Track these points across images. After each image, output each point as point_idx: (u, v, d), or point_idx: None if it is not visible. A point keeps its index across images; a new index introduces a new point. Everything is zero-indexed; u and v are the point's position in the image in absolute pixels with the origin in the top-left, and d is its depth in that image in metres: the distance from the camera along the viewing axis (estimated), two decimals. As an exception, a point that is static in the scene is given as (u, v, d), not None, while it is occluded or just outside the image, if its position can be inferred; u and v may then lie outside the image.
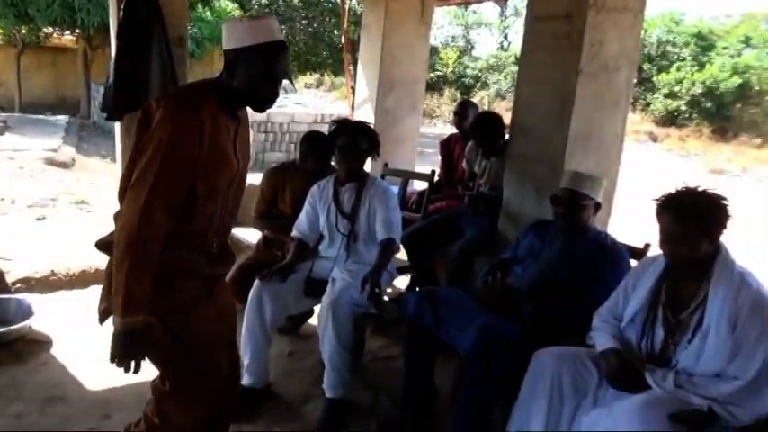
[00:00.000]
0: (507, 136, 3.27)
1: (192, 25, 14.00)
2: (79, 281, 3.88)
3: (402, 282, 3.78)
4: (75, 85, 16.35)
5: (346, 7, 6.26)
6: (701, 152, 14.61)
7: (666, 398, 1.80)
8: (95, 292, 3.69)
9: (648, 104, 17.66)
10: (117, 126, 3.71)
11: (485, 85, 20.27)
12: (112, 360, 1.61)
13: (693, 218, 1.83)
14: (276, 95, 1.67)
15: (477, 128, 3.47)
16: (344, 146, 2.73)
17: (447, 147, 4.14)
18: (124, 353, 1.59)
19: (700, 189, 1.89)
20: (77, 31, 13.89)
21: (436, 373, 2.62)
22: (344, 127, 2.78)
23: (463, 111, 4.10)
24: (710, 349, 1.81)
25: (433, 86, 21.21)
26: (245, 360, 2.63)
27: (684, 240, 1.86)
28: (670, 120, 17.01)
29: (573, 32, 2.68)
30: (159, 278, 1.56)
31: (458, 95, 20.60)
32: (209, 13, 15.49)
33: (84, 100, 15.21)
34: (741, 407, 1.76)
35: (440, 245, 3.52)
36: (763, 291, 1.84)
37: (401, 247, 2.98)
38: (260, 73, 1.60)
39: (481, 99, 19.68)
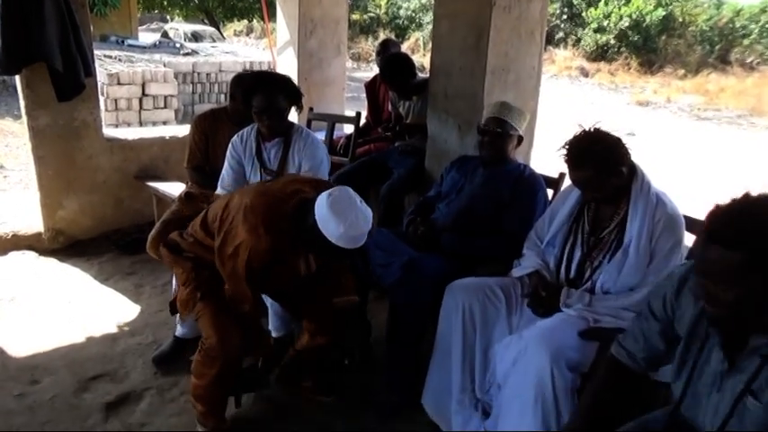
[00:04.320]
0: (427, 74, 3.25)
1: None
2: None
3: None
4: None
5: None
6: (629, 85, 15.03)
7: (575, 319, 1.91)
8: (13, 258, 3.55)
9: (579, 40, 17.88)
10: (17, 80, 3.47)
11: (419, 26, 19.92)
12: None
13: (591, 164, 1.90)
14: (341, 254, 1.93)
15: (384, 72, 3.41)
16: (262, 108, 2.52)
17: (372, 88, 4.08)
18: None
19: (593, 130, 1.94)
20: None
21: (371, 309, 2.70)
22: (260, 85, 2.55)
23: (384, 50, 4.03)
24: (631, 263, 1.92)
25: (367, 29, 20.72)
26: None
27: (591, 185, 1.95)
28: (600, 54, 17.31)
29: (486, -36, 2.65)
30: None
31: (392, 37, 20.24)
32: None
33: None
34: None
35: (369, 187, 3.53)
36: (677, 209, 1.97)
37: None
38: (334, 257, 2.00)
39: (416, 40, 19.39)
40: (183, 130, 3.71)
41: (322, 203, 1.85)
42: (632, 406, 1.65)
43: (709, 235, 1.19)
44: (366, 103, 4.17)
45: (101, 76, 7.72)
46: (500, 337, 2.05)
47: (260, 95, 2.52)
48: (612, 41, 17.23)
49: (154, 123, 8.05)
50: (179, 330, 2.64)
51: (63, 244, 3.78)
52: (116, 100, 8.04)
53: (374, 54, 4.05)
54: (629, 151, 1.96)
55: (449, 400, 2.13)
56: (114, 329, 2.88)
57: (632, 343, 1.57)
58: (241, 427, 2.23)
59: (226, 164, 2.71)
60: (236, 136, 2.72)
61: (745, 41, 16.45)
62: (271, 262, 1.99)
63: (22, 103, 3.54)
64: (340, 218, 1.81)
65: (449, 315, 2.13)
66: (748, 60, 15.88)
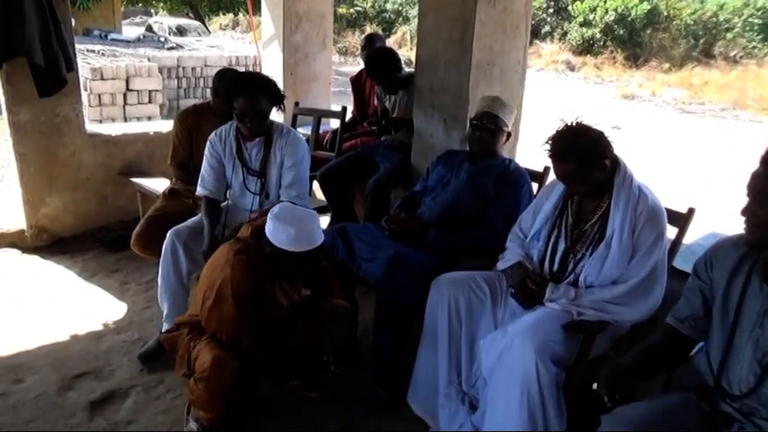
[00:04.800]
0: (413, 68, 3.24)
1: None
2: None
3: (323, 222, 3.78)
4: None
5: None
6: (614, 79, 15.10)
7: (560, 313, 1.93)
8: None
9: (565, 33, 17.93)
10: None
11: (406, 20, 19.85)
12: None
13: (574, 158, 1.91)
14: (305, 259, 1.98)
15: (369, 66, 3.39)
16: (244, 111, 2.47)
17: (358, 83, 4.07)
18: None
19: (576, 124, 1.96)
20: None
21: (359, 305, 2.70)
22: (242, 87, 2.49)
23: (369, 44, 4.01)
24: (614, 255, 1.93)
25: (354, 23, 20.62)
26: (164, 310, 2.61)
27: (575, 179, 1.96)
28: (586, 48, 17.36)
29: (470, -43, 2.64)
30: None
31: (379, 32, 20.17)
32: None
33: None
34: (629, 306, 1.92)
35: (355, 181, 3.53)
36: (658, 202, 1.99)
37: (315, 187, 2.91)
38: (296, 263, 1.99)
39: (403, 34, 19.33)
40: (168, 126, 3.67)
41: (269, 220, 1.97)
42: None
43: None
44: (352, 97, 4.16)
45: (84, 71, 7.62)
46: (486, 331, 2.06)
47: (242, 98, 2.47)
48: (598, 35, 17.29)
49: (138, 119, 7.97)
50: (165, 327, 2.61)
51: (46, 241, 3.73)
52: (99, 95, 7.94)
53: (360, 48, 4.00)
54: (612, 144, 1.98)
55: (435, 395, 2.14)
56: (99, 327, 2.85)
57: (680, 307, 1.65)
58: (230, 423, 2.22)
59: (205, 163, 2.68)
60: (213, 134, 2.68)
61: (729, 35, 16.57)
62: (257, 289, 2.00)
63: (2, 98, 3.49)
64: (286, 224, 1.94)
65: (435, 309, 2.14)
66: (732, 54, 16.02)
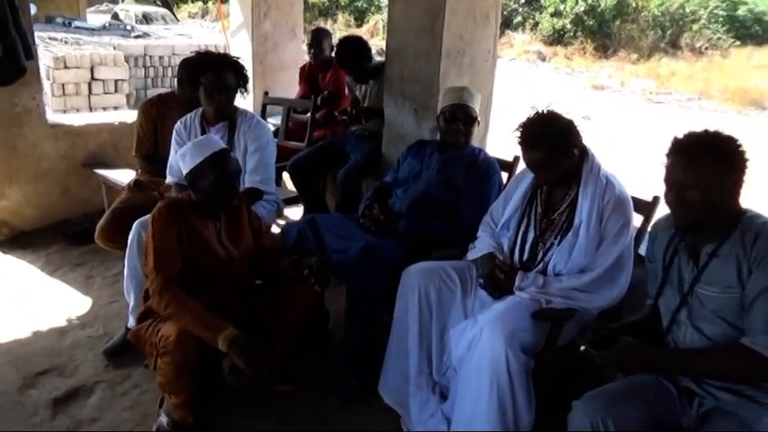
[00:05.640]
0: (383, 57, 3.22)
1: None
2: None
3: (297, 213, 3.74)
4: None
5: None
6: (584, 69, 15.29)
7: (528, 301, 1.94)
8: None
9: (537, 24, 18.07)
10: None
11: (378, 9, 19.74)
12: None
13: (544, 146, 1.93)
14: (235, 189, 2.06)
15: (338, 56, 3.36)
16: (213, 83, 2.50)
17: (303, 74, 4.05)
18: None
19: (547, 112, 1.97)
20: None
21: (329, 296, 2.68)
22: (208, 63, 2.54)
23: (316, 41, 3.90)
24: (581, 244, 1.95)
25: (326, 12, 20.44)
26: (130, 302, 2.55)
27: (544, 167, 1.98)
28: (557, 39, 17.53)
29: (440, -55, 2.63)
30: None
31: (352, 21, 20.02)
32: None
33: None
34: (596, 293, 1.95)
35: (326, 172, 3.50)
36: (625, 191, 2.01)
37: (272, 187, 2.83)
38: (215, 180, 1.99)
39: (375, 23, 19.23)
40: (133, 116, 3.58)
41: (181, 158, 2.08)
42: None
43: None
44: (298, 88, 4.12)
45: (46, 60, 7.39)
46: (456, 320, 2.07)
47: (209, 72, 2.51)
48: (569, 26, 17.48)
49: (104, 109, 7.77)
50: (131, 322, 2.55)
51: (7, 236, 3.62)
52: (63, 84, 7.71)
53: (307, 46, 3.89)
54: (581, 134, 1.99)
55: (406, 385, 2.14)
56: (63, 323, 2.78)
57: (650, 287, 1.78)
58: (200, 415, 2.19)
59: (172, 152, 2.65)
60: (179, 122, 2.67)
61: (695, 26, 16.91)
62: (185, 232, 2.01)
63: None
64: (184, 149, 2.08)
65: (405, 298, 2.14)
66: (697, 45, 16.36)
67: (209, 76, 2.50)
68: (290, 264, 2.18)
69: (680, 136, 1.55)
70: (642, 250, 2.25)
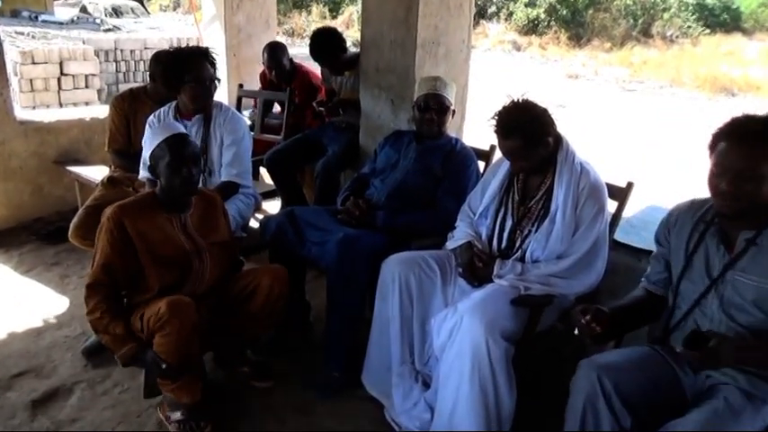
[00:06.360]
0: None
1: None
2: None
3: (275, 207, 3.72)
4: None
5: None
6: (559, 58, 15.40)
7: (507, 288, 1.96)
8: None
9: (511, 14, 18.12)
10: None
11: (353, 0, 19.61)
12: None
13: (520, 134, 1.94)
14: (191, 175, 1.99)
15: (312, 48, 3.34)
16: (203, 78, 2.49)
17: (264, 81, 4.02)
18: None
19: (521, 101, 1.99)
20: None
21: (310, 289, 2.68)
22: (188, 59, 2.51)
23: (275, 61, 3.78)
24: (558, 230, 1.98)
25: (300, 3, 20.19)
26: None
27: (520, 155, 2.00)
28: (531, 29, 17.59)
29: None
30: None
31: (326, 12, 19.83)
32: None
33: None
34: (573, 279, 1.98)
35: (304, 165, 3.49)
36: (599, 178, 2.05)
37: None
38: (169, 161, 1.97)
39: (350, 15, 19.09)
40: (105, 111, 3.51)
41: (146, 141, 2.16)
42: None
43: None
44: None
45: (12, 55, 7.18)
46: (437, 309, 2.08)
47: (196, 68, 2.49)
48: (543, 16, 17.54)
49: (75, 105, 7.59)
50: (109, 320, 2.52)
51: (-23, 236, 3.53)
52: (31, 80, 7.50)
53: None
54: (556, 122, 2.02)
55: (388, 375, 2.15)
56: (39, 323, 2.73)
57: (650, 271, 1.78)
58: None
59: (145, 147, 2.59)
60: (152, 116, 2.64)
61: (666, 15, 17.12)
62: (148, 226, 2.01)
63: None
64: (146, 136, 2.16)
65: (386, 289, 2.14)
66: (668, 33, 16.57)
67: (198, 71, 2.48)
68: None
69: (738, 118, 1.44)
70: (618, 236, 2.30)
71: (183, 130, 2.10)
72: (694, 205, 1.63)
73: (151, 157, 2.05)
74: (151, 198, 2.08)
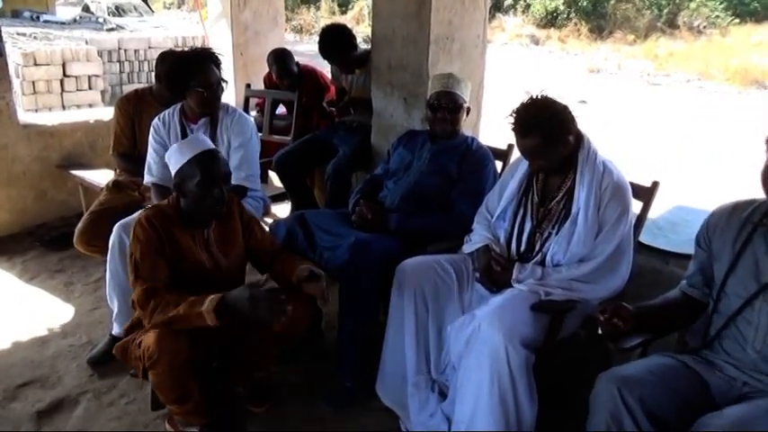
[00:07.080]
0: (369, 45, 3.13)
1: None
2: None
3: (284, 210, 3.65)
4: None
5: None
6: (580, 52, 15.03)
7: (527, 294, 1.89)
8: None
9: (528, 6, 17.76)
10: None
11: (363, -5, 19.52)
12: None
13: (539, 132, 1.87)
14: (222, 195, 1.89)
15: (321, 46, 3.26)
16: (213, 82, 2.41)
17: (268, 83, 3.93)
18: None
19: (541, 98, 1.91)
20: None
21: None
22: (195, 64, 2.42)
23: (284, 68, 3.66)
24: (580, 232, 1.91)
25: (308, 0, 20.13)
26: (114, 309, 2.46)
27: (538, 153, 1.92)
28: (550, 21, 17.18)
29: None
30: None
31: (335, 7, 19.76)
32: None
33: None
34: (596, 283, 1.90)
35: (314, 167, 3.42)
36: (623, 177, 1.97)
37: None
38: (200, 181, 1.85)
39: (360, 10, 19.01)
40: (109, 113, 3.47)
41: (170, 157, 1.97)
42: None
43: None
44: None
45: (15, 57, 7.16)
46: (453, 316, 2.01)
47: (203, 72, 2.41)
48: (562, 7, 17.13)
49: (78, 106, 7.56)
50: (116, 329, 2.46)
51: (-20, 242, 3.49)
52: (33, 82, 7.48)
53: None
54: (576, 119, 1.94)
55: (404, 385, 2.08)
56: (43, 332, 2.67)
57: (690, 273, 1.73)
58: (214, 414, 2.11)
59: (150, 150, 2.55)
60: (156, 119, 2.57)
61: (692, 5, 16.28)
62: (168, 240, 1.89)
63: None
64: (171, 149, 1.96)
65: (400, 295, 2.07)
66: (695, 24, 15.84)
67: (206, 76, 2.40)
68: (305, 278, 1.96)
69: None
70: (643, 238, 2.21)
71: (211, 145, 1.98)
72: (739, 207, 1.58)
73: (178, 174, 1.91)
74: (174, 211, 1.96)
